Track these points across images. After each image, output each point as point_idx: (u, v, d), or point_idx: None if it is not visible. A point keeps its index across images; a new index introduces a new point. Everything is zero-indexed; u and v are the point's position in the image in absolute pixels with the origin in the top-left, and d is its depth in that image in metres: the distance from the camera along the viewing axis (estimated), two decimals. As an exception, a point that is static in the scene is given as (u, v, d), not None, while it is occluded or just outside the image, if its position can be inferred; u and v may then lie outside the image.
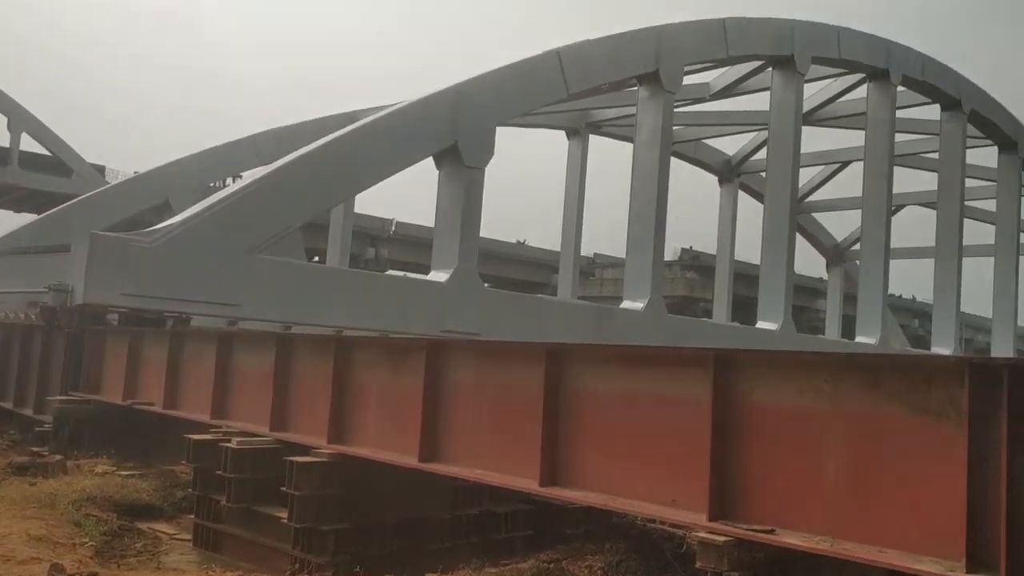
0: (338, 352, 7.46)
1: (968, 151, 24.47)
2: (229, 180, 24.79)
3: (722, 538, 4.66)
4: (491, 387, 6.30)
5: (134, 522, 8.32)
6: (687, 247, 50.02)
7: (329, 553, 6.98)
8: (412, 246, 40.61)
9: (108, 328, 12.33)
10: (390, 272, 36.17)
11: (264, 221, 12.44)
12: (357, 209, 29.94)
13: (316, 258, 29.56)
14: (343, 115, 21.37)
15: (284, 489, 7.04)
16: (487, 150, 14.60)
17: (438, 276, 13.94)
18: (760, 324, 18.97)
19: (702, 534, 4.78)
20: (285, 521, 7.10)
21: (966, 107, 23.54)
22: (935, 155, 24.87)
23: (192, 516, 8.35)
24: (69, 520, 7.74)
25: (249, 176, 14.63)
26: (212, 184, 23.87)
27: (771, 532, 4.63)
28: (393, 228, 43.35)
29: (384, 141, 13.30)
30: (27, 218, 32.48)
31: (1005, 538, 3.88)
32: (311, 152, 12.80)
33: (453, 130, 13.88)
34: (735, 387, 4.91)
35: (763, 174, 22.41)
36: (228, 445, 7.74)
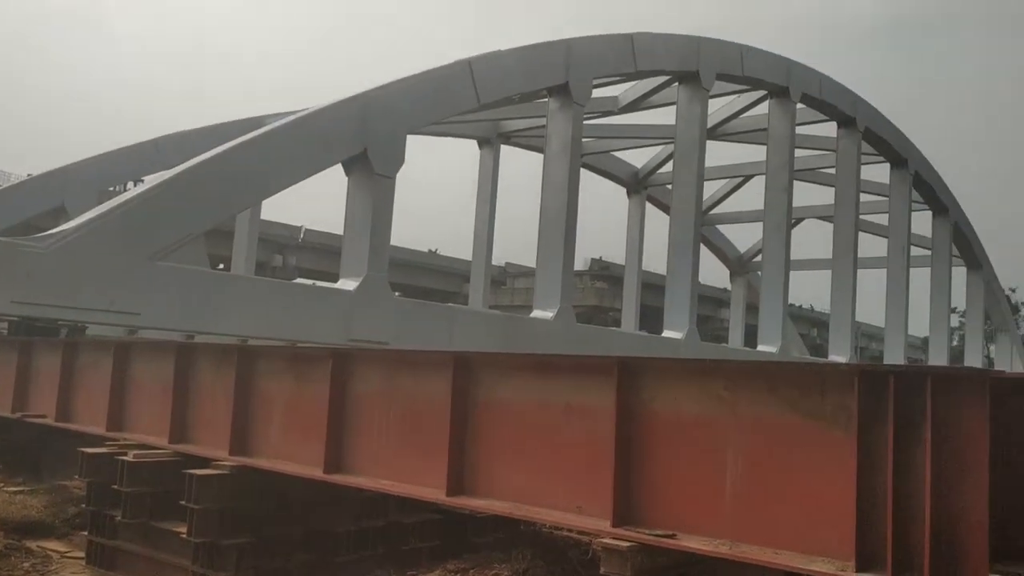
0: (240, 362, 7.30)
1: (863, 167, 25.51)
2: (130, 184, 23.96)
3: (625, 543, 4.73)
4: (398, 396, 6.25)
5: (22, 540, 7.97)
6: (597, 257, 50.84)
7: (231, 568, 6.82)
8: (322, 254, 40.03)
9: (-4, 337, 11.77)
10: (299, 280, 35.58)
11: (166, 227, 12.04)
12: (265, 216, 29.35)
13: (221, 265, 28.85)
14: (249, 120, 20.92)
15: (183, 503, 6.84)
16: (398, 158, 14.47)
17: (347, 284, 13.73)
18: (666, 333, 19.32)
19: (606, 540, 4.85)
20: (184, 536, 6.90)
21: (860, 125, 24.53)
22: (832, 170, 25.85)
23: (85, 533, 8.04)
24: (-50, 540, 7.36)
25: (151, 181, 14.17)
26: (112, 188, 23.05)
27: (673, 537, 4.72)
28: (302, 235, 42.67)
29: (291, 146, 13.05)
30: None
31: (891, 537, 4.05)
32: (216, 156, 12.46)
33: (362, 137, 13.71)
34: (638, 394, 5.00)
35: (669, 186, 22.89)
36: (124, 458, 7.48)
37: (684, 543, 4.64)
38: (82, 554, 7.97)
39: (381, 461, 6.26)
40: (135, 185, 21.59)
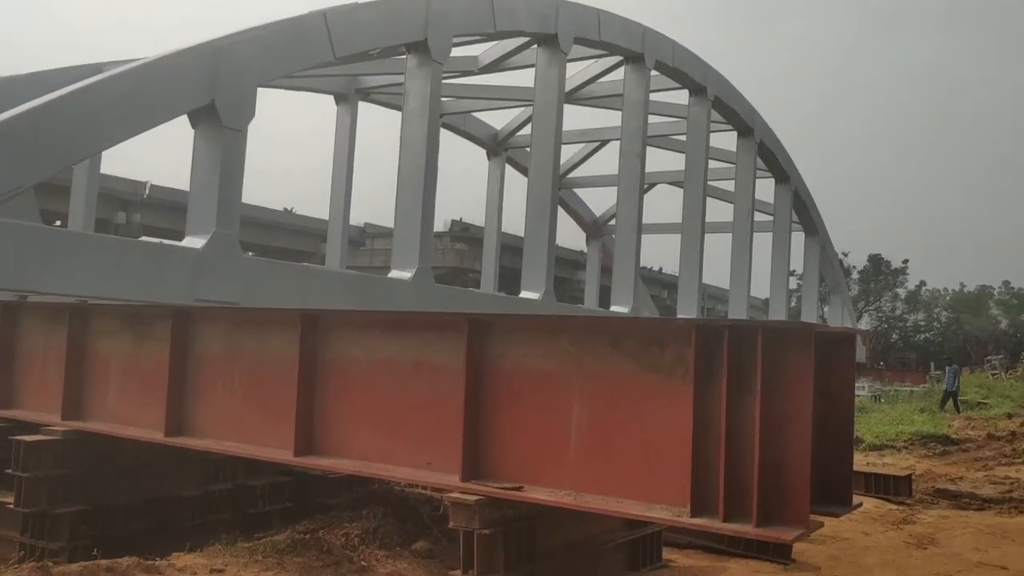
0: (73, 321, 6.89)
1: (712, 135, 26.46)
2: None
3: (473, 497, 4.79)
4: (244, 355, 6.06)
5: None
6: (457, 219, 50.82)
7: (64, 537, 6.49)
8: (169, 211, 38.07)
9: None
10: (144, 238, 33.83)
11: (-10, 178, 11.17)
12: (107, 170, 27.65)
13: (58, 223, 27.07)
14: (89, 66, 19.56)
15: (10, 471, 6.44)
16: (248, 111, 13.88)
17: (193, 242, 13.13)
18: (523, 294, 19.57)
19: (455, 495, 4.89)
20: (12, 507, 6.51)
21: (711, 94, 25.37)
22: (684, 137, 26.68)
23: (-102, 507, 7.44)
24: None
25: (-28, 128, 13.07)
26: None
27: (519, 489, 4.81)
28: (147, 191, 40.45)
29: (131, 96, 12.28)
30: None
31: (723, 483, 4.25)
32: (46, 104, 11.59)
33: (210, 88, 13.06)
34: (488, 351, 5.03)
35: (529, 149, 23.05)
36: (-59, 426, 6.95)
37: (530, 495, 4.74)
38: None
39: (226, 422, 6.06)
40: (-44, 133, 19.84)
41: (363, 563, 5.75)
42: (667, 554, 6.61)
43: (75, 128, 11.83)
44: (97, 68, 18.25)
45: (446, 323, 5.26)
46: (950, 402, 27.16)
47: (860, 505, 5.07)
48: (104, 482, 6.77)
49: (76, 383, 6.88)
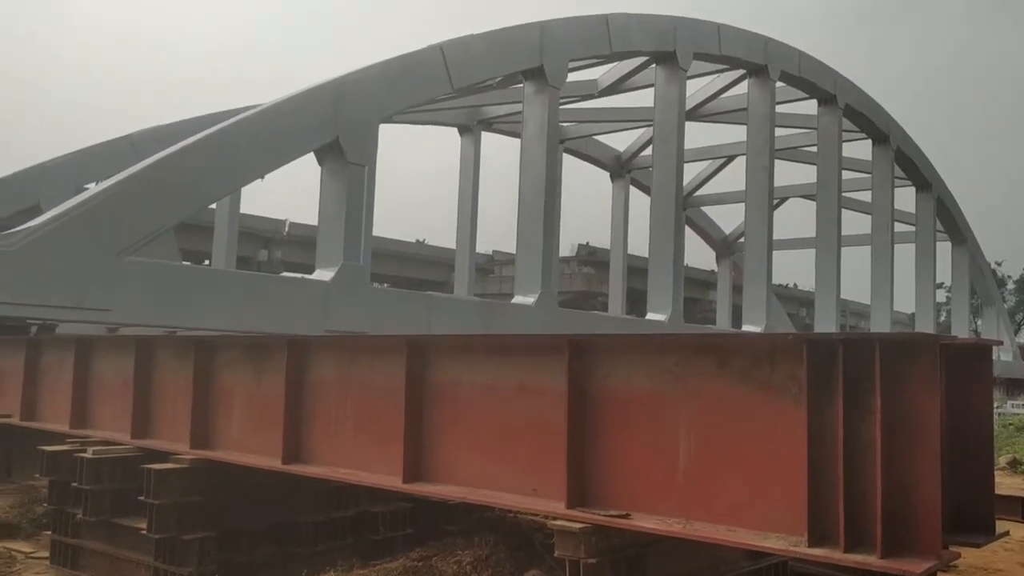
0: (199, 353, 7.16)
1: (844, 144, 25.38)
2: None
3: (578, 525, 4.62)
4: (354, 383, 6.13)
5: (-14, 542, 7.84)
6: (584, 243, 50.73)
7: (193, 563, 6.70)
8: (308, 247, 39.58)
9: (-37, 338, 11.57)
10: (284, 274, 35.30)
11: (133, 221, 11.87)
12: (250, 210, 29.06)
13: (207, 262, 28.62)
14: (224, 113, 20.68)
15: (142, 498, 6.72)
16: (370, 146, 14.31)
17: (322, 275, 13.58)
18: (649, 315, 19.23)
19: (560, 522, 4.74)
20: (145, 532, 6.78)
21: (841, 102, 24.39)
22: (814, 149, 25.73)
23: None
24: (-89, 543, 7.22)
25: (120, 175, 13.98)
26: (87, 186, 22.81)
27: (627, 517, 4.61)
28: (287, 229, 42.35)
29: (260, 136, 12.85)
30: None
31: (843, 510, 3.94)
32: (182, 149, 12.28)
33: (334, 125, 13.53)
34: (590, 372, 4.88)
35: (652, 169, 22.75)
36: (84, 455, 7.34)
37: (637, 523, 4.53)
38: (47, 554, 7.85)
39: (339, 449, 6.13)
40: (110, 182, 21.31)
41: (475, 592, 5.67)
42: (796, 585, 6.21)
43: (208, 170, 12.45)
44: (231, 114, 19.27)
45: (548, 345, 5.14)
46: None
47: (1007, 533, 4.61)
48: (230, 509, 6.96)
49: (203, 413, 7.13)
